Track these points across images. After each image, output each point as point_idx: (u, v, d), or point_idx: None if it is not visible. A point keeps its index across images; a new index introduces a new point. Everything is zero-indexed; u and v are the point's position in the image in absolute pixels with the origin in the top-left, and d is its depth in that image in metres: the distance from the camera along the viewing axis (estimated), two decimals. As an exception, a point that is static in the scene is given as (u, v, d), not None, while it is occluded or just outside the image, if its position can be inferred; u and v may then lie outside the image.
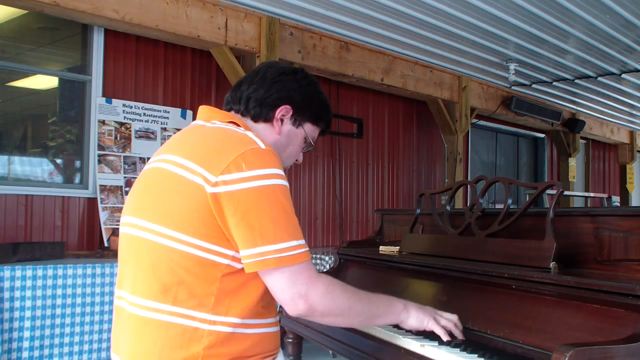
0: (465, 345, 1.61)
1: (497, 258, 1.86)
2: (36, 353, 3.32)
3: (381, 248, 2.61)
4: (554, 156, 9.56)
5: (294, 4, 4.72)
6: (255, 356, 1.44)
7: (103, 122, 4.48)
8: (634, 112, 9.22)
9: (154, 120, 4.75)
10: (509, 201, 1.93)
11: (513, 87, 7.48)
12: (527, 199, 1.92)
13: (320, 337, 2.20)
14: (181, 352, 1.37)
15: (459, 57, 6.19)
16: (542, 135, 9.34)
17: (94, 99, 4.47)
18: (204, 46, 4.80)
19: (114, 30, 4.49)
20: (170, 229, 1.40)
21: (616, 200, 10.58)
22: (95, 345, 3.57)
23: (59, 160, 4.59)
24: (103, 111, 4.49)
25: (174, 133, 5.38)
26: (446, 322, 1.66)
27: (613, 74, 6.84)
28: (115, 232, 4.28)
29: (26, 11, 4.15)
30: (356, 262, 2.59)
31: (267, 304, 1.46)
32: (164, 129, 4.81)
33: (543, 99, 8.20)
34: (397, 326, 1.85)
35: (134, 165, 4.60)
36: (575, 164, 9.46)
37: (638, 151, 11.12)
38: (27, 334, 3.28)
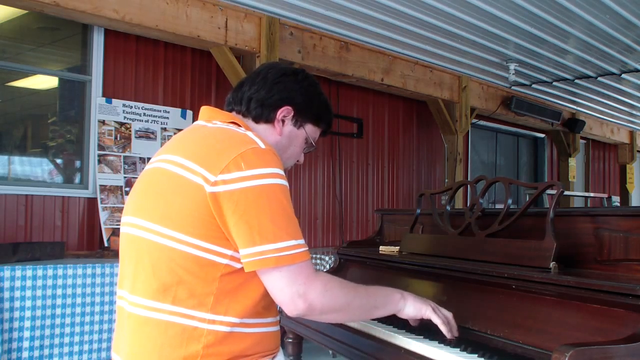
0: (465, 345, 1.61)
1: (497, 258, 1.86)
2: (36, 353, 3.32)
3: (381, 248, 2.61)
4: (554, 156, 9.56)
5: (294, 4, 4.72)
6: (255, 355, 1.44)
7: (103, 122, 4.48)
8: (634, 112, 9.22)
9: (154, 120, 4.75)
10: (509, 201, 1.93)
11: (513, 87, 7.48)
12: (527, 199, 1.92)
13: (320, 337, 2.20)
14: (181, 351, 1.37)
15: (459, 57, 6.19)
16: (542, 135, 9.34)
17: (94, 99, 4.48)
18: (204, 46, 4.80)
19: (114, 30, 4.49)
20: (170, 229, 1.40)
21: (616, 200, 10.59)
22: (95, 345, 3.57)
23: (59, 160, 4.60)
24: (103, 111, 4.49)
25: (174, 133, 5.36)
26: (443, 315, 1.67)
27: (613, 74, 6.84)
28: (115, 232, 4.28)
29: (26, 11, 4.15)
30: (356, 262, 2.59)
31: (267, 304, 1.46)
32: (164, 129, 4.81)
33: (543, 99, 8.20)
34: (397, 325, 1.86)
35: (134, 165, 4.60)
36: (575, 164, 9.47)
37: (638, 151, 11.12)
38: (27, 334, 3.28)
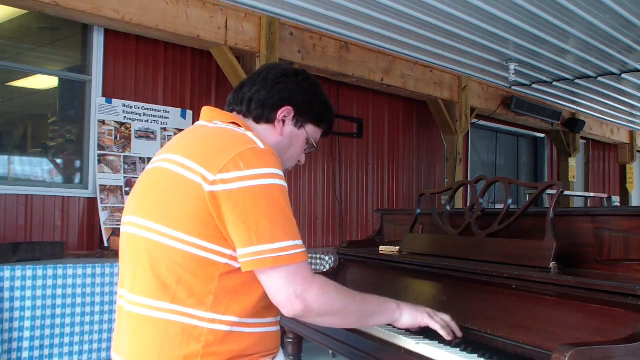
0: (465, 345, 1.61)
1: (497, 258, 1.86)
2: (36, 353, 3.32)
3: (381, 248, 2.61)
4: (554, 156, 9.56)
5: (294, 4, 4.72)
6: (256, 355, 1.44)
7: (103, 122, 4.48)
8: (634, 112, 9.22)
9: (154, 120, 4.75)
10: (509, 201, 1.94)
11: (513, 87, 7.48)
12: (527, 199, 1.92)
13: (320, 337, 2.20)
14: (181, 350, 1.38)
15: (459, 57, 6.19)
16: (542, 135, 9.34)
17: (94, 99, 4.48)
18: (204, 46, 4.80)
19: (114, 30, 4.49)
20: (169, 228, 1.40)
21: (616, 200, 10.58)
22: (95, 345, 3.57)
23: (59, 160, 4.60)
24: (103, 111, 4.49)
25: (174, 133, 5.35)
26: (440, 319, 1.67)
27: (613, 74, 6.84)
28: (115, 232, 4.28)
29: (26, 11, 4.15)
30: (356, 262, 2.59)
31: (268, 304, 1.46)
32: (164, 129, 4.81)
33: (543, 99, 8.20)
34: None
35: (134, 165, 4.60)
36: (575, 164, 9.46)
37: (638, 151, 11.12)
38: (27, 334, 3.28)
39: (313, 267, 4.67)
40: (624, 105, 8.66)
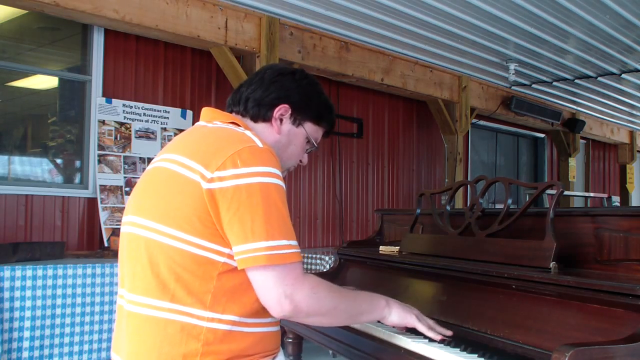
0: (465, 345, 1.61)
1: (497, 258, 1.86)
2: (36, 353, 3.32)
3: (381, 248, 2.61)
4: (554, 156, 9.56)
5: (294, 4, 4.72)
6: (256, 355, 1.44)
7: (103, 122, 4.48)
8: (634, 112, 9.22)
9: (154, 120, 4.75)
10: (509, 201, 1.93)
11: (513, 87, 7.48)
12: (527, 199, 1.92)
13: (320, 337, 2.20)
14: (180, 349, 1.37)
15: (459, 57, 6.19)
16: (542, 135, 9.34)
17: (94, 99, 4.48)
18: (204, 46, 4.80)
19: (114, 30, 4.49)
20: (168, 227, 1.40)
21: (616, 200, 10.58)
22: (95, 345, 3.57)
23: (59, 160, 4.60)
24: (103, 111, 4.49)
25: (174, 133, 5.35)
26: (426, 323, 1.68)
27: (613, 74, 6.84)
28: (115, 232, 4.28)
29: (26, 11, 4.15)
30: (356, 262, 2.59)
31: (267, 304, 1.46)
32: (164, 129, 4.81)
33: (543, 99, 8.20)
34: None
35: (134, 165, 4.60)
36: (575, 164, 9.46)
37: (638, 151, 11.12)
38: (27, 334, 3.28)
39: (313, 267, 4.67)
40: (624, 105, 8.66)
